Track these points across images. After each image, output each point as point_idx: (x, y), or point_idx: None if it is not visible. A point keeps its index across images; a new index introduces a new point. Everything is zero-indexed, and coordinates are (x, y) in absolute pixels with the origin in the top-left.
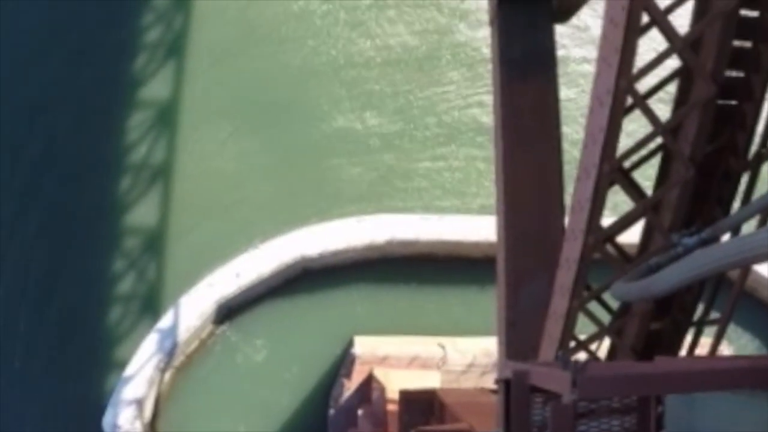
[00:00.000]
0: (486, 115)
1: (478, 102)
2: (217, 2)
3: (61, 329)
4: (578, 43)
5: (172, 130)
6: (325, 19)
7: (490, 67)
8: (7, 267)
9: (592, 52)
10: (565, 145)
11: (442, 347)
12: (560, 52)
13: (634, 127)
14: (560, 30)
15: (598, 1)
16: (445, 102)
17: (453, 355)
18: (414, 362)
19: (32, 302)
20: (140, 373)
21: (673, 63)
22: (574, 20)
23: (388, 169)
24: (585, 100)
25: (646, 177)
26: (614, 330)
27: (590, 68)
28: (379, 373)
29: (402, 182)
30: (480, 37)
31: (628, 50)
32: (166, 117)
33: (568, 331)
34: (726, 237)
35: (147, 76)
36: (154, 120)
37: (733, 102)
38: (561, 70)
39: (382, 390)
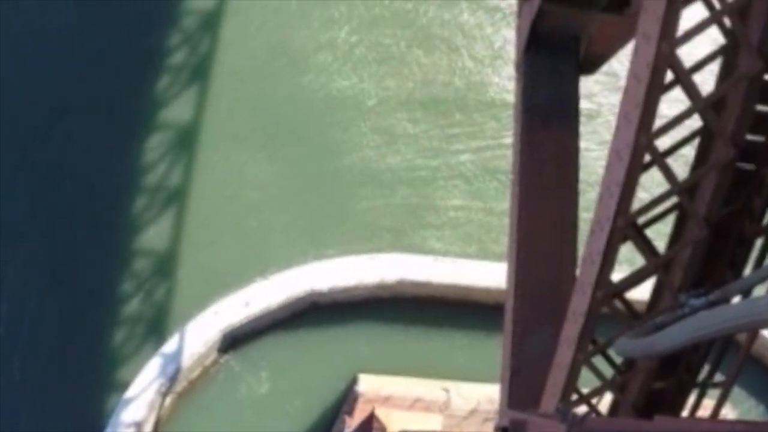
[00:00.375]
0: (509, 162)
1: (500, 146)
2: (245, 28)
3: (64, 347)
4: (606, 94)
5: (191, 152)
6: (353, 52)
7: (508, 117)
8: (12, 279)
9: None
10: (583, 195)
11: (446, 391)
12: (588, 101)
13: (650, 183)
14: (590, 78)
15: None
16: (468, 145)
17: (456, 399)
18: (417, 404)
19: (36, 316)
20: (141, 396)
21: (694, 121)
22: (605, 69)
23: (407, 209)
24: (605, 152)
25: (660, 234)
26: (617, 385)
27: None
28: (381, 413)
29: (419, 223)
30: (508, 83)
31: (649, 107)
32: (186, 139)
33: (570, 384)
34: (735, 300)
35: (170, 97)
36: (173, 142)
37: (752, 166)
38: (587, 119)
39: (383, 430)
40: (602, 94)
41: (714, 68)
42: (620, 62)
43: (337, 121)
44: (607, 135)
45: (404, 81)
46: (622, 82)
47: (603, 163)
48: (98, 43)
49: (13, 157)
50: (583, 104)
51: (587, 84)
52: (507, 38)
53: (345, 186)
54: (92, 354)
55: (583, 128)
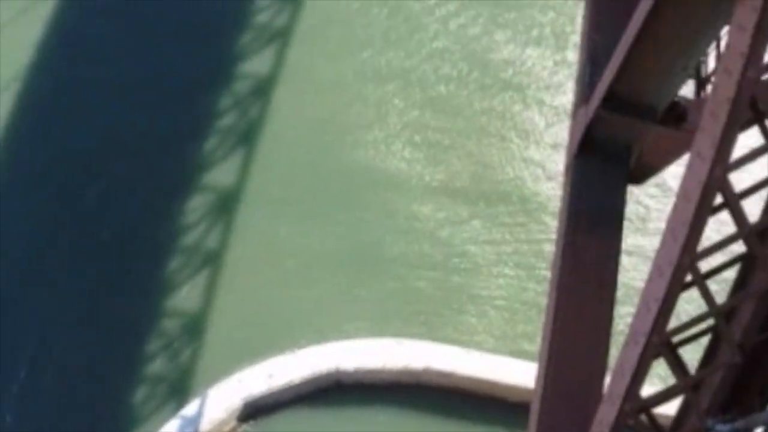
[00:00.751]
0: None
1: (541, 242)
2: (298, 97)
3: (85, 398)
4: (653, 203)
5: (231, 216)
6: (404, 133)
7: (551, 215)
8: (39, 326)
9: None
10: (620, 305)
11: None
12: (634, 208)
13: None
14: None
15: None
16: (509, 239)
17: None
18: None
19: (60, 364)
20: None
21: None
22: (657, 179)
23: (441, 294)
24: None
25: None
26: None
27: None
28: None
29: (452, 310)
30: (556, 183)
31: (696, 228)
32: (228, 203)
33: None
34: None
35: (216, 159)
36: (215, 204)
37: None
38: (631, 226)
39: None
40: (648, 202)
41: (763, 194)
42: (671, 174)
43: (381, 200)
44: (648, 245)
45: (452, 168)
46: (671, 194)
47: (641, 272)
48: (149, 98)
49: (54, 204)
50: (629, 208)
51: (634, 189)
52: (558, 137)
53: (382, 264)
54: (112, 409)
55: (626, 236)
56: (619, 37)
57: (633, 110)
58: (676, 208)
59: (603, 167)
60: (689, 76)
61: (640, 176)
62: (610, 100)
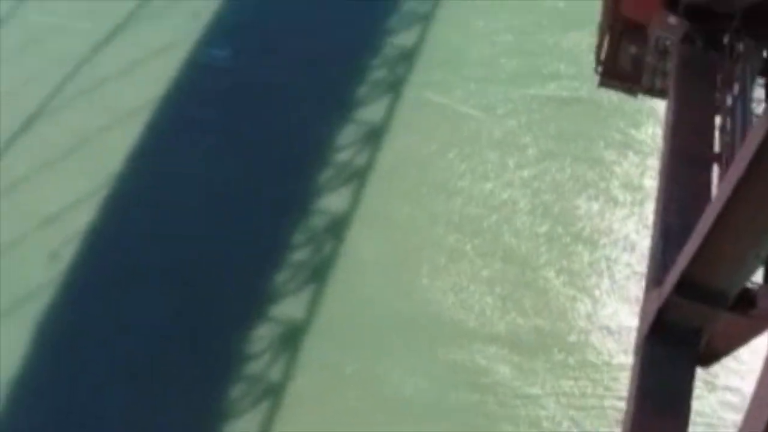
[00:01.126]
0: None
1: (602, 397)
2: (369, 235)
3: None
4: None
5: (296, 348)
6: (472, 281)
7: (615, 373)
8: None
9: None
10: None
11: None
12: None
13: None
14: None
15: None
16: (571, 394)
17: None
18: None
19: None
20: None
21: None
22: None
23: None
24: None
25: None
26: None
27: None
28: None
29: None
30: (615, 344)
31: None
32: (295, 335)
33: None
34: None
35: (287, 291)
36: (281, 335)
37: None
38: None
39: None
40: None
41: None
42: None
43: (446, 348)
44: (711, 409)
45: (517, 320)
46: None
47: None
48: (228, 222)
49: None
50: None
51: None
52: (625, 295)
53: (444, 413)
54: None
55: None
56: (691, 217)
57: (705, 297)
58: (747, 417)
59: (673, 350)
60: (761, 264)
61: (708, 359)
62: (682, 285)
